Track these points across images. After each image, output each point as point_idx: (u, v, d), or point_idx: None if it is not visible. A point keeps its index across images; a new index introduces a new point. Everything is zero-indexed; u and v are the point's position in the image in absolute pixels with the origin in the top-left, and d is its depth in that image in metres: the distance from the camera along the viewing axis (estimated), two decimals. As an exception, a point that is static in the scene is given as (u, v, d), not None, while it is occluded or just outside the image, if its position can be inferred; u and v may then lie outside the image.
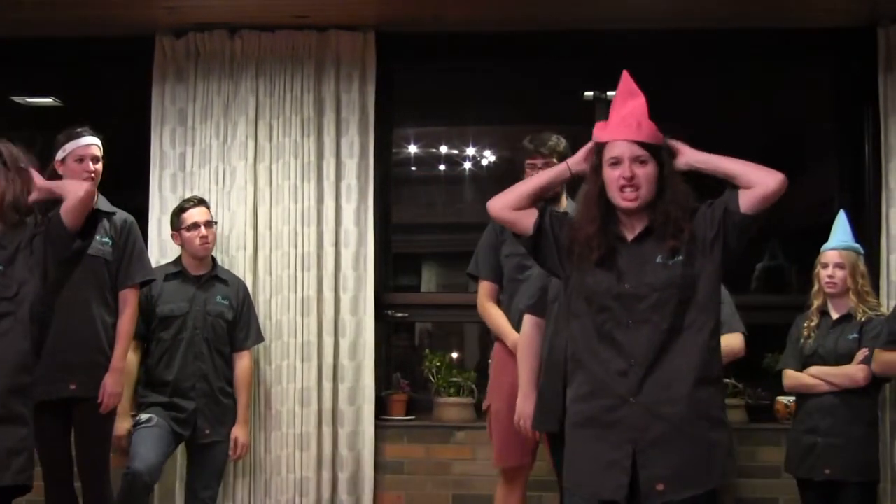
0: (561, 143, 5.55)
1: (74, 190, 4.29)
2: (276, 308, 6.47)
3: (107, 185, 5.62)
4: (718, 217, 3.67)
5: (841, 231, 5.56)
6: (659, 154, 3.69)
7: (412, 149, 8.00)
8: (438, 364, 6.63)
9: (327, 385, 6.42)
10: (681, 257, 3.66)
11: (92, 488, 5.46)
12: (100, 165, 5.48)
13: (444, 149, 8.03)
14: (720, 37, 6.54)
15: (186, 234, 5.99)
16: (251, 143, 6.54)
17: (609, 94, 6.63)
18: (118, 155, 5.80)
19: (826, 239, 5.58)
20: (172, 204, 6.44)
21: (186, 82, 6.67)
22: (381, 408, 6.61)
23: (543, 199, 3.91)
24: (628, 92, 3.83)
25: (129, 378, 5.77)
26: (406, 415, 6.68)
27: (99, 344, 5.43)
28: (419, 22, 6.52)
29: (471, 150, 7.93)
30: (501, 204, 3.87)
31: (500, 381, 5.51)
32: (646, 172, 3.65)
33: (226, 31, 6.64)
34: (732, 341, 5.24)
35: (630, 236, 3.74)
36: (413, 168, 8.14)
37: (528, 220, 3.83)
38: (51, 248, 4.21)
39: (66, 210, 4.24)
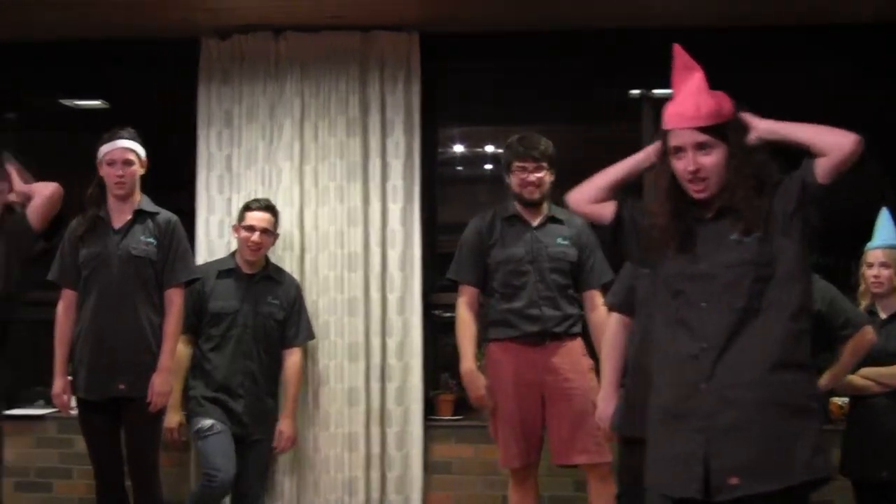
0: (550, 146, 5.59)
1: (41, 189, 4.34)
2: (323, 308, 6.52)
3: (154, 186, 5.74)
4: (796, 190, 3.43)
5: (884, 229, 5.43)
6: (725, 133, 3.46)
7: (458, 148, 8.01)
8: (486, 363, 6.66)
9: (375, 385, 6.47)
10: (757, 234, 3.41)
11: (142, 487, 5.52)
12: (134, 168, 5.55)
13: (489, 148, 8.02)
14: (769, 34, 6.51)
15: (242, 233, 6.06)
16: (297, 145, 6.59)
17: (655, 91, 6.67)
18: (165, 156, 5.87)
19: (870, 237, 5.48)
20: (219, 205, 6.53)
21: (232, 84, 6.74)
22: (430, 408, 6.65)
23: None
24: (683, 69, 3.58)
25: (179, 371, 5.89)
26: (454, 415, 6.72)
27: (146, 344, 5.48)
28: (463, 21, 6.54)
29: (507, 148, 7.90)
30: (581, 197, 3.79)
31: (501, 381, 5.56)
32: (711, 161, 3.44)
33: (270, 33, 6.69)
34: (866, 335, 5.23)
35: (707, 215, 3.53)
36: (459, 168, 8.16)
37: (606, 210, 3.73)
38: (14, 248, 4.24)
39: (31, 209, 4.28)
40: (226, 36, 6.73)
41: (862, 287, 5.49)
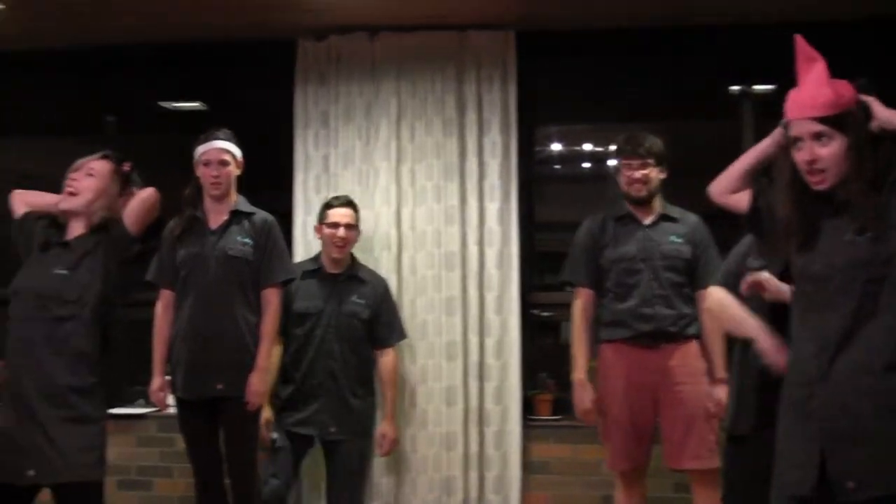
0: (658, 142, 5.55)
1: (139, 194, 4.39)
2: (420, 308, 6.54)
3: (252, 186, 5.78)
4: None
5: None
6: (844, 124, 3.36)
7: (555, 147, 7.98)
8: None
9: (473, 384, 6.47)
10: (870, 233, 3.31)
11: (241, 485, 5.56)
12: (230, 168, 5.61)
13: (587, 146, 7.99)
14: (872, 27, 6.36)
15: (326, 231, 6.09)
16: (394, 145, 6.62)
17: (755, 88, 6.58)
18: (263, 157, 5.91)
19: None
20: (316, 206, 6.55)
21: (328, 85, 6.78)
22: (528, 407, 6.63)
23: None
24: (807, 57, 3.49)
25: (271, 372, 5.89)
26: (552, 414, 6.70)
27: (243, 343, 5.51)
28: (560, 19, 6.52)
29: (614, 148, 7.86)
30: (720, 189, 3.79)
31: (613, 384, 5.52)
32: (830, 152, 3.35)
33: (366, 33, 6.73)
34: None
35: (827, 212, 3.43)
36: (556, 166, 8.12)
37: (742, 201, 3.70)
38: (112, 250, 4.31)
39: (127, 213, 4.34)
40: (322, 37, 6.77)
41: None
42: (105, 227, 4.38)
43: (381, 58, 6.71)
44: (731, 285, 4.40)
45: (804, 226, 3.43)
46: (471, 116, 6.62)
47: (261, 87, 7.30)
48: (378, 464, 6.43)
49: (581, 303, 5.66)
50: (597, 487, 6.36)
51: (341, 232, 6.06)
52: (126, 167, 4.51)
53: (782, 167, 3.51)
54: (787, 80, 3.59)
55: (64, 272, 4.27)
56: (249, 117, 7.06)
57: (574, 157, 8.12)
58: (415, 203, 6.61)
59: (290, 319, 5.99)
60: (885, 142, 3.37)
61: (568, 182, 8.27)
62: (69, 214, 4.43)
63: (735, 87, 6.75)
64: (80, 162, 4.52)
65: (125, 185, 4.52)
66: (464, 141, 6.61)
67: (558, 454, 6.51)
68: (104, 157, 4.53)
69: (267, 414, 5.93)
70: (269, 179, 6.91)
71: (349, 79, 6.74)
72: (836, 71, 3.47)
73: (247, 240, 5.56)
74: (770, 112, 3.63)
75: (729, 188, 3.74)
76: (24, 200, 4.62)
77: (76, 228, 4.40)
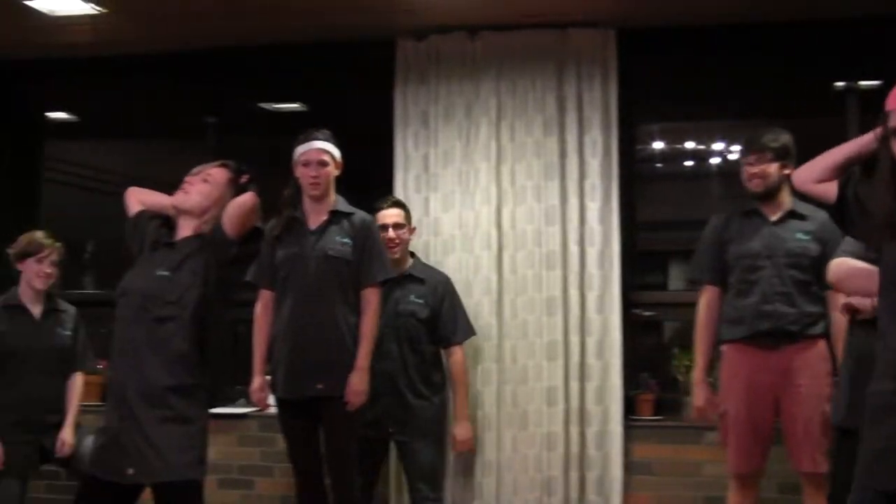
0: (781, 138, 5.44)
1: (238, 199, 4.41)
2: (521, 307, 6.56)
3: (352, 187, 5.80)
4: None
5: None
6: None
7: (657, 145, 7.96)
8: (688, 363, 6.52)
9: (574, 384, 6.47)
10: None
11: (341, 485, 5.58)
12: (329, 169, 5.62)
13: (689, 144, 7.95)
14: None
15: None
16: (493, 144, 6.64)
17: (861, 83, 6.50)
18: (363, 157, 5.94)
19: None
20: (417, 205, 6.61)
21: (428, 84, 6.82)
22: (630, 408, 6.62)
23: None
24: None
25: None
26: (654, 415, 6.67)
27: (343, 344, 5.53)
28: (660, 16, 6.50)
29: (717, 146, 7.85)
30: (806, 176, 3.77)
31: (733, 384, 5.45)
32: None
33: (465, 33, 6.76)
34: None
35: None
36: (658, 165, 8.09)
37: (830, 191, 3.69)
38: (211, 253, 4.34)
39: (227, 216, 4.36)
40: (422, 37, 6.82)
41: None
42: (209, 231, 4.42)
43: (481, 57, 6.74)
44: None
45: None
46: (571, 115, 6.61)
47: (360, 88, 7.38)
48: (479, 464, 6.47)
49: (705, 300, 5.61)
50: (699, 488, 6.33)
51: (391, 233, 6.06)
52: (244, 179, 4.52)
53: (882, 158, 3.45)
54: (892, 75, 3.55)
55: (166, 273, 4.32)
56: (349, 118, 7.14)
57: (676, 156, 8.09)
58: (515, 202, 6.62)
59: None
60: None
61: (669, 181, 8.22)
62: (179, 214, 4.48)
63: (840, 83, 6.68)
64: (199, 168, 4.56)
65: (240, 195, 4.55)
66: (564, 140, 6.61)
67: (660, 455, 6.47)
68: (223, 165, 4.56)
69: None
70: (370, 179, 6.95)
71: (449, 78, 6.78)
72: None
73: (346, 240, 5.58)
74: (875, 108, 3.57)
75: (818, 177, 3.72)
76: (138, 198, 4.69)
77: (184, 230, 4.46)
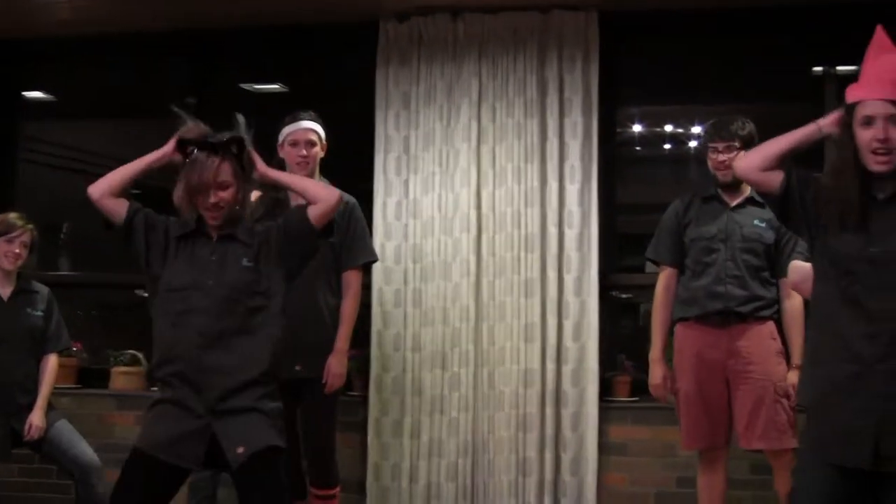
0: (747, 126, 5.61)
1: (327, 197, 4.43)
2: (499, 289, 6.71)
3: (332, 168, 5.90)
4: None
5: None
6: None
7: (637, 128, 8.12)
8: (663, 345, 6.74)
9: (551, 366, 6.61)
10: None
11: (319, 468, 5.75)
12: (316, 150, 5.75)
13: (669, 128, 8.09)
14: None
15: None
16: (474, 126, 6.80)
17: (839, 68, 6.69)
18: (343, 139, 6.05)
19: None
20: (397, 187, 6.77)
21: (410, 66, 6.96)
22: (606, 389, 6.76)
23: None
24: (881, 48, 3.78)
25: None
26: (630, 396, 6.82)
27: (323, 325, 5.66)
28: (642, 0, 6.67)
29: (696, 129, 8.01)
30: (749, 165, 3.93)
31: (685, 362, 5.63)
32: None
33: (448, 14, 6.90)
34: None
35: (881, 196, 3.70)
36: (638, 148, 8.25)
37: (775, 179, 3.85)
38: (294, 245, 4.41)
39: (317, 214, 4.38)
40: (404, 18, 6.96)
41: None
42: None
43: (464, 39, 6.89)
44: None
45: (856, 207, 3.67)
46: (552, 97, 6.77)
47: (342, 69, 7.49)
48: (455, 445, 6.64)
49: (663, 281, 5.80)
50: (674, 469, 6.48)
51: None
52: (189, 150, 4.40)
53: (842, 149, 3.76)
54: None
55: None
56: (330, 99, 7.24)
57: (656, 139, 8.23)
58: (495, 184, 6.77)
59: None
60: None
61: (649, 164, 8.34)
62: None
63: (818, 68, 6.87)
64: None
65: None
66: (545, 122, 6.77)
67: (636, 436, 6.63)
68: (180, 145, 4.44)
69: None
70: (350, 161, 7.06)
71: (431, 60, 6.93)
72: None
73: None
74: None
75: (763, 165, 3.87)
76: (109, 189, 4.49)
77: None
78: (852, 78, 3.85)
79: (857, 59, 5.93)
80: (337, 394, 5.75)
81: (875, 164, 3.65)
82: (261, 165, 4.48)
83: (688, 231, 5.72)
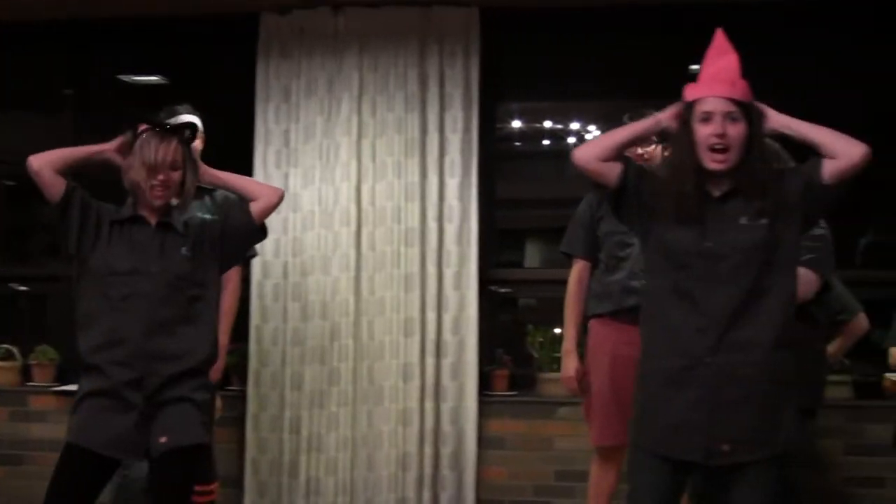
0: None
1: (269, 193, 4.50)
2: (379, 284, 6.74)
3: (212, 161, 5.80)
4: (801, 184, 3.76)
5: None
6: (750, 113, 3.76)
7: (516, 124, 8.15)
8: (542, 339, 6.82)
9: (430, 360, 6.66)
10: (765, 220, 3.73)
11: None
12: (197, 143, 5.69)
13: (548, 124, 8.15)
14: (827, 7, 6.64)
15: None
16: (355, 119, 6.82)
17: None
18: (224, 131, 6.03)
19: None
20: (277, 181, 6.75)
21: (291, 59, 6.96)
22: (484, 383, 6.80)
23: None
24: (721, 49, 3.92)
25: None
26: (509, 390, 6.88)
27: None
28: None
29: (575, 125, 8.07)
30: (587, 155, 3.94)
31: (598, 358, 5.63)
32: (737, 131, 3.72)
33: (329, 8, 6.91)
34: (860, 323, 5.58)
35: (716, 193, 3.81)
36: (517, 143, 8.26)
37: (612, 171, 3.90)
38: (233, 239, 4.45)
39: (258, 210, 4.43)
40: (285, 11, 6.96)
41: None
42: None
43: (345, 33, 6.90)
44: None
45: (691, 201, 3.79)
46: (433, 92, 6.81)
47: (223, 61, 7.49)
48: (334, 440, 6.66)
49: (576, 273, 5.75)
50: (551, 462, 6.57)
51: None
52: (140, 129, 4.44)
53: (679, 145, 3.89)
54: (744, 60, 3.87)
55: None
56: (210, 91, 7.27)
57: (535, 135, 8.26)
58: (375, 178, 6.79)
59: None
60: (773, 141, 3.97)
61: (528, 159, 8.40)
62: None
63: (695, 66, 6.89)
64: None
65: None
66: (425, 116, 6.81)
67: (514, 429, 6.68)
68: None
69: None
70: (230, 154, 7.02)
71: (312, 53, 6.94)
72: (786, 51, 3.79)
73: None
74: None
75: (602, 155, 3.93)
76: (51, 163, 4.47)
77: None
78: (697, 76, 3.96)
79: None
80: (215, 388, 5.70)
81: (712, 163, 3.76)
82: (201, 164, 4.56)
83: (601, 225, 5.69)
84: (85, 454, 4.20)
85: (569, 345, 5.72)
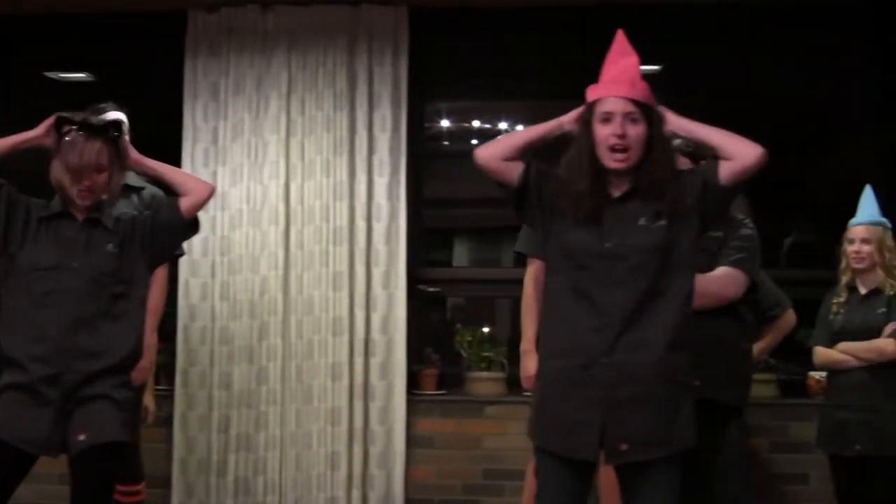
0: None
1: (200, 189, 4.50)
2: (307, 283, 6.74)
3: None
4: (698, 185, 3.83)
5: (867, 206, 5.62)
6: (650, 114, 3.83)
7: (444, 123, 8.20)
8: (470, 339, 6.86)
9: (359, 360, 6.67)
10: (663, 221, 3.79)
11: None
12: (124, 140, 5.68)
13: (476, 123, 8.17)
14: (758, 8, 6.66)
15: None
16: (283, 118, 6.81)
17: (644, 68, 6.78)
18: (151, 129, 6.00)
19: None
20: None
21: (219, 57, 6.95)
22: (413, 382, 6.84)
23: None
24: (621, 51, 3.99)
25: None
26: (437, 389, 6.91)
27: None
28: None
29: (503, 125, 8.12)
30: (490, 154, 3.99)
31: None
32: (636, 132, 3.78)
33: (258, 6, 6.91)
34: (789, 318, 5.68)
35: (616, 194, 3.87)
36: (445, 143, 8.30)
37: (514, 171, 3.94)
38: (162, 235, 4.45)
39: (188, 206, 4.43)
40: (214, 9, 6.94)
41: (843, 263, 5.64)
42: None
43: (273, 30, 6.90)
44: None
45: (590, 202, 3.84)
46: (362, 90, 6.82)
47: (150, 58, 7.45)
48: (262, 439, 6.66)
49: (532, 273, 5.70)
50: (480, 461, 6.60)
51: None
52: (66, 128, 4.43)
53: (580, 145, 3.92)
54: (670, 60, 3.91)
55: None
56: (138, 88, 7.22)
57: (463, 134, 8.28)
58: (304, 177, 6.80)
59: None
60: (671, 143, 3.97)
61: (457, 158, 8.41)
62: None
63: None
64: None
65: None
66: (354, 115, 6.81)
67: (442, 429, 6.71)
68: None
69: None
70: (158, 151, 6.98)
71: (240, 51, 6.92)
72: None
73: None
74: (656, 91, 3.93)
75: (504, 155, 3.97)
76: None
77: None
78: (651, 78, 3.99)
79: (656, 58, 6.15)
80: (142, 388, 5.62)
81: (612, 162, 3.81)
82: (134, 153, 4.54)
83: None
84: (1, 446, 4.20)
85: (527, 345, 5.71)
